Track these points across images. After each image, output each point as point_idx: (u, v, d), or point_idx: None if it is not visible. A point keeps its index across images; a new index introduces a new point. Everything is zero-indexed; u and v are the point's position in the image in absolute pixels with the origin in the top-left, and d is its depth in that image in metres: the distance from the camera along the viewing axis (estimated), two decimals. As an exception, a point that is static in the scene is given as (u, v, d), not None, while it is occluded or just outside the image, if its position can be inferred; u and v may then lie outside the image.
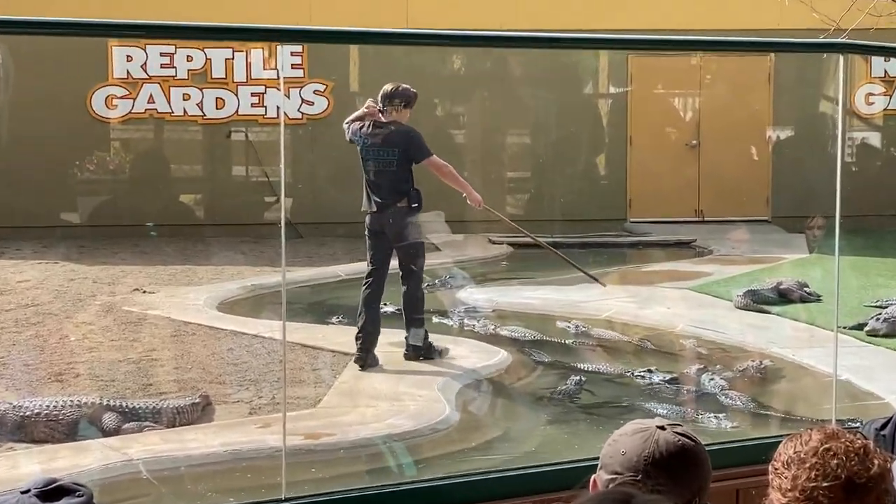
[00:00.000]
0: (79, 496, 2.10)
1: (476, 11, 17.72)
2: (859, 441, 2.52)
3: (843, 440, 2.50)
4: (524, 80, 19.52)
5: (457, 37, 10.89)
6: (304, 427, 8.18)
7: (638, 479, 2.51)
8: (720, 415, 8.87)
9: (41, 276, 14.46)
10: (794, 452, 2.52)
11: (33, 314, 12.26)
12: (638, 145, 19.22)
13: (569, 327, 11.67)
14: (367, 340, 9.93)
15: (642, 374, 9.90)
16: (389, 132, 10.10)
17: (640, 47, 19.01)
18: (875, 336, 11.06)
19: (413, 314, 10.24)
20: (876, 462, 2.47)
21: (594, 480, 2.60)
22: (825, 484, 2.43)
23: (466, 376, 9.75)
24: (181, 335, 11.22)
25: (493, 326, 11.62)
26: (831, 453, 2.46)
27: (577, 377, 9.70)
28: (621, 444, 2.58)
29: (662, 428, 2.59)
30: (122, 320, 11.89)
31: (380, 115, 10.18)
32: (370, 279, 10.15)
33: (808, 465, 2.47)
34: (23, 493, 2.07)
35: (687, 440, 2.58)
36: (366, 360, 9.83)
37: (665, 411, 8.88)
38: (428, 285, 13.19)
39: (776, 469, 2.55)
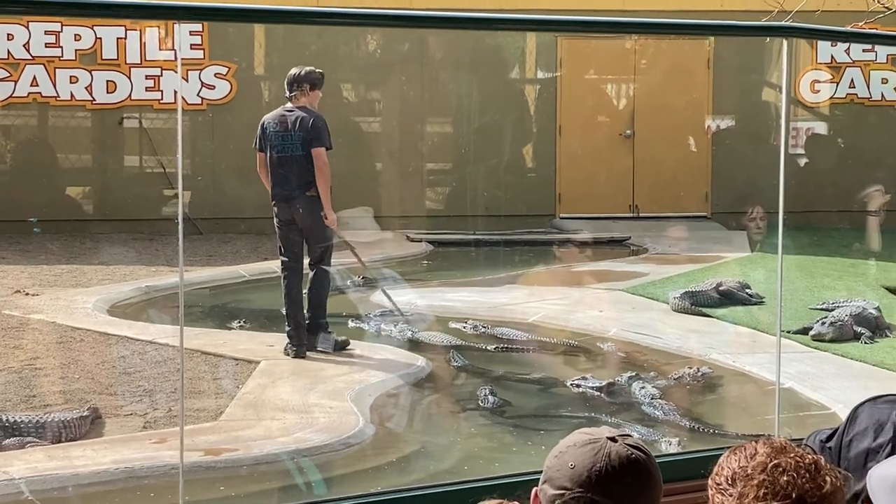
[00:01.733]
0: None
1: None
2: (809, 456, 2.53)
3: (792, 455, 2.51)
4: (445, 64, 19.55)
5: (370, 16, 10.92)
6: (203, 442, 8.14)
7: (588, 495, 2.50)
8: (650, 428, 8.92)
9: (-89, 276, 14.30)
10: (740, 467, 2.52)
11: None
12: (568, 135, 19.29)
13: (465, 327, 11.75)
14: (299, 333, 10.40)
15: (577, 382, 9.94)
16: (296, 117, 10.52)
17: (570, 28, 19.13)
18: (821, 341, 11.19)
19: (318, 316, 10.52)
20: (828, 479, 2.48)
21: (536, 493, 2.58)
22: (775, 503, 2.45)
23: (382, 385, 9.76)
24: (68, 342, 11.12)
25: (411, 331, 11.63)
26: (780, 469, 2.47)
27: (487, 388, 9.70)
28: (569, 456, 2.55)
29: (613, 440, 2.57)
30: (2, 325, 11.77)
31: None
32: (286, 272, 10.63)
33: (755, 482, 2.47)
34: None
35: (640, 453, 2.56)
36: (302, 352, 10.32)
37: (597, 422, 8.95)
38: (351, 281, 13.33)
39: (718, 485, 2.55)
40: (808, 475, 2.47)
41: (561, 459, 2.56)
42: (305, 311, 10.58)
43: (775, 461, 2.48)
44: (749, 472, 2.50)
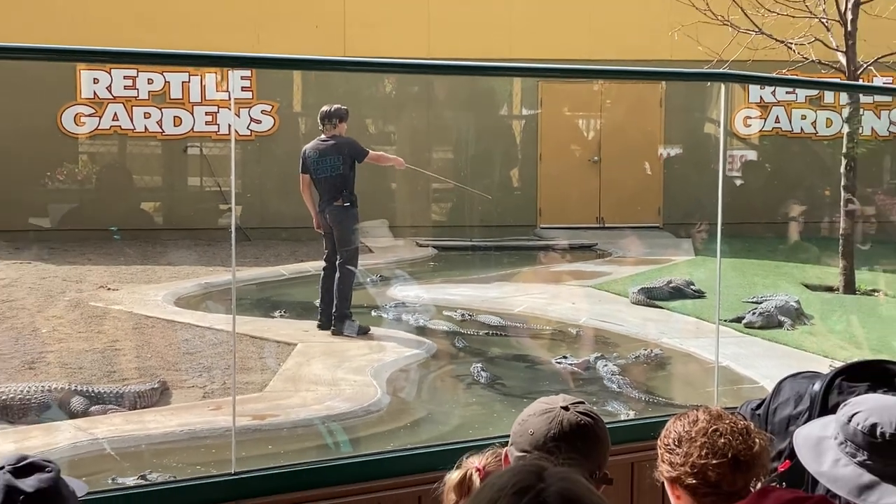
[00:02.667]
0: (48, 472, 2.08)
1: (405, 41, 17.73)
2: (741, 422, 2.55)
3: (727, 421, 2.52)
4: (447, 103, 19.55)
5: (386, 64, 10.94)
6: (251, 409, 8.14)
7: (545, 456, 2.45)
8: (612, 398, 8.96)
9: (15, 274, 14.28)
10: (685, 431, 2.53)
11: (8, 309, 12.10)
12: (547, 160, 19.32)
13: (454, 315, 11.74)
14: (328, 313, 10.60)
15: (559, 360, 9.96)
16: (329, 145, 10.66)
17: (548, 75, 19.12)
18: (752, 328, 11.22)
19: (343, 307, 10.61)
20: (757, 441, 2.50)
21: (506, 454, 2.56)
22: (714, 461, 2.45)
23: (396, 363, 9.76)
24: (141, 327, 11.14)
25: (420, 319, 11.64)
26: (718, 433, 2.48)
27: (479, 365, 9.72)
28: (529, 424, 2.52)
29: (566, 408, 2.53)
30: (88, 314, 11.77)
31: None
32: (324, 270, 10.85)
33: (697, 443, 2.48)
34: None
35: (588, 418, 2.52)
36: (335, 328, 10.53)
37: (569, 393, 8.95)
38: (370, 279, 13.35)
39: (667, 445, 2.55)
40: (741, 438, 2.48)
41: (523, 426, 2.53)
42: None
43: (714, 426, 2.50)
44: (693, 435, 2.51)
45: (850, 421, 2.49)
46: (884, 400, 2.54)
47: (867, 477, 2.41)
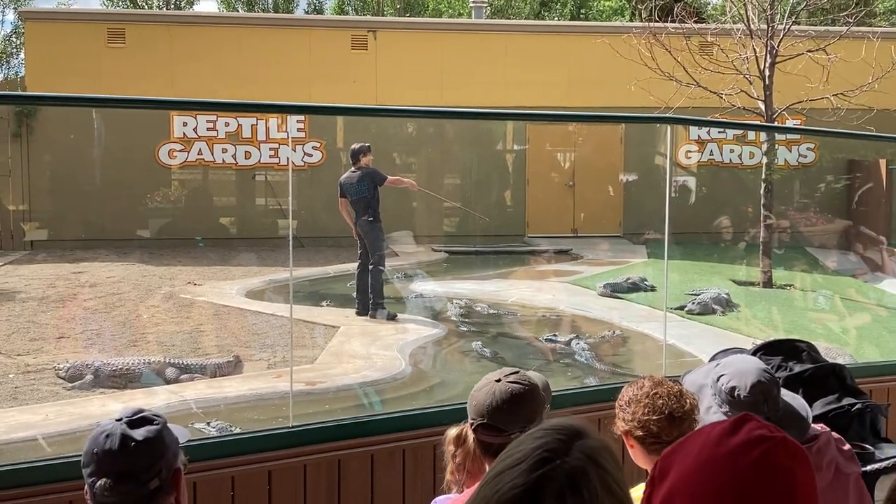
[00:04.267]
0: (155, 423, 2.10)
1: (423, 93, 17.79)
2: (677, 387, 2.56)
3: (665, 386, 2.53)
4: (456, 140, 19.58)
5: (408, 111, 10.98)
6: (304, 377, 8.17)
7: (485, 420, 2.41)
8: (585, 370, 8.97)
9: (123, 273, 14.35)
10: (633, 395, 2.54)
11: (117, 300, 12.17)
12: (533, 184, 19.31)
13: (461, 304, 11.71)
14: (363, 302, 10.64)
15: (549, 337, 9.95)
16: (359, 175, 10.65)
17: (535, 119, 19.16)
18: (692, 314, 11.22)
19: (377, 297, 10.60)
20: (688, 401, 2.50)
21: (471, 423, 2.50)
22: (654, 417, 2.46)
23: (416, 342, 9.77)
24: (220, 314, 11.18)
25: (435, 307, 11.65)
26: (657, 395, 2.49)
27: (478, 343, 9.72)
28: (475, 398, 2.46)
29: (498, 380, 2.45)
30: (179, 304, 11.83)
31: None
32: (358, 269, 10.79)
33: (642, 404, 2.49)
34: (117, 420, 2.07)
35: (517, 386, 2.43)
36: (365, 313, 10.57)
37: (549, 365, 8.97)
38: (396, 276, 13.35)
39: (620, 406, 2.56)
40: (675, 398, 2.49)
41: (472, 398, 2.47)
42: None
43: (654, 390, 2.50)
44: (638, 397, 2.52)
45: (717, 380, 2.50)
46: (746, 364, 2.52)
47: None
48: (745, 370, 2.49)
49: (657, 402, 2.47)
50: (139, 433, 2.04)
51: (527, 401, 2.45)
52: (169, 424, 2.13)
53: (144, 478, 2.02)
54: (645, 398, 2.49)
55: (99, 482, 2.01)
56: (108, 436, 2.02)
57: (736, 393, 2.44)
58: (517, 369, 2.55)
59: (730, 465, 1.32)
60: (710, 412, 2.48)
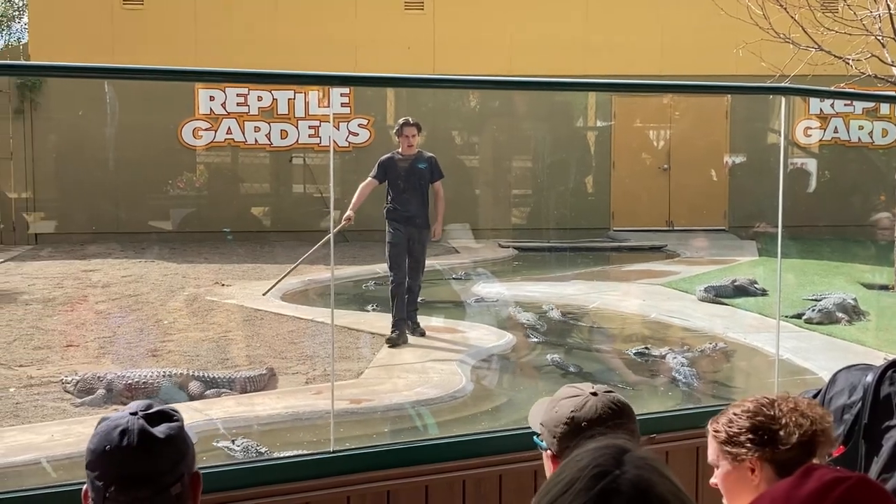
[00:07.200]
0: (175, 420, 2.11)
1: (489, 60, 17.75)
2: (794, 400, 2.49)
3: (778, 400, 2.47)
4: (527, 116, 19.55)
5: (470, 81, 10.94)
6: (348, 394, 8.21)
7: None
8: (683, 390, 8.89)
9: (140, 271, 14.58)
10: (734, 414, 2.48)
11: (134, 302, 12.37)
12: (620, 168, 19.22)
13: (533, 310, 11.61)
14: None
15: (640, 350, 9.89)
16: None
17: (622, 90, 19.01)
18: (811, 323, 11.05)
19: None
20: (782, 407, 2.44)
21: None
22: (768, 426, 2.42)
23: (479, 354, 9.76)
24: (252, 319, 11.29)
25: (503, 313, 11.63)
26: (771, 405, 2.44)
27: (554, 355, 9.66)
28: (559, 406, 2.44)
29: (595, 394, 2.43)
30: (204, 307, 11.98)
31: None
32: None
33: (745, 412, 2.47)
34: (131, 414, 2.05)
35: (615, 406, 2.41)
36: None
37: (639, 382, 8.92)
38: (455, 277, 13.37)
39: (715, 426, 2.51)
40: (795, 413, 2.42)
41: (552, 409, 2.45)
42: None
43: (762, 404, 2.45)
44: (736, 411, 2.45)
45: None
46: None
47: None
48: None
49: (770, 412, 2.41)
50: (160, 430, 2.03)
51: (631, 417, 2.42)
52: None
53: (167, 481, 2.01)
54: (751, 407, 2.43)
55: (112, 486, 1.99)
56: (123, 431, 2.00)
57: None
58: (610, 389, 2.51)
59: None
60: None
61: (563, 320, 11.42)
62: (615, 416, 2.39)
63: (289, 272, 12.74)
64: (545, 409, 2.50)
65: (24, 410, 7.99)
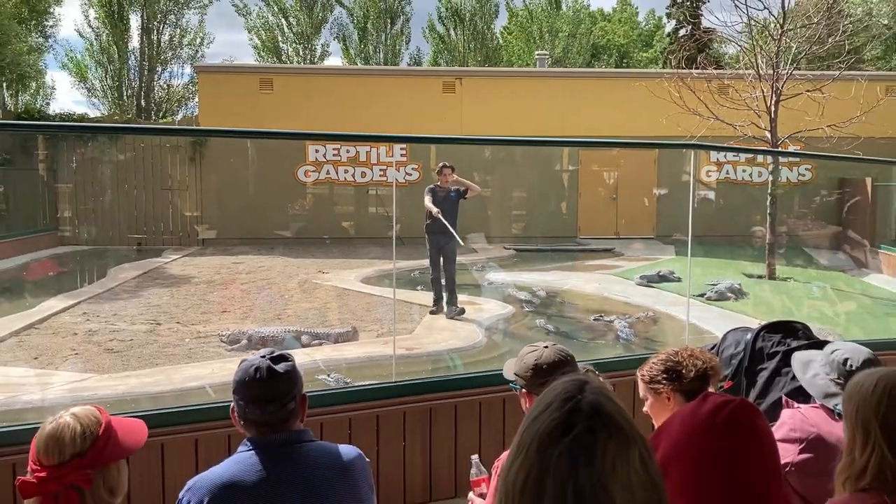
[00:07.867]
0: (290, 360, 2.08)
1: (498, 125, 17.72)
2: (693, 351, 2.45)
3: (685, 351, 2.43)
4: (523, 162, 19.48)
5: (485, 140, 10.88)
6: (404, 344, 8.20)
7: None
8: (624, 341, 8.81)
9: (270, 263, 14.66)
10: (652, 362, 2.40)
11: (265, 283, 12.43)
12: (584, 196, 19.10)
13: (527, 290, 11.50)
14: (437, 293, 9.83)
15: (597, 317, 9.81)
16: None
17: (586, 146, 18.89)
18: (710, 301, 10.93)
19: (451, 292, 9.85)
20: (701, 358, 2.40)
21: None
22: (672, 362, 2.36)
23: (490, 319, 9.72)
24: (342, 296, 11.32)
25: (506, 292, 11.59)
26: (675, 353, 2.39)
27: (542, 319, 9.58)
28: (524, 357, 2.40)
29: (546, 347, 2.39)
30: (311, 287, 12.02)
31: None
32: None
33: (659, 359, 2.39)
34: (262, 357, 2.05)
35: (560, 355, 2.35)
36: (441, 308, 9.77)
37: (594, 340, 8.84)
38: (474, 268, 13.25)
39: (640, 371, 2.43)
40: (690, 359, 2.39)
41: (519, 358, 2.39)
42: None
43: (670, 354, 2.42)
44: (654, 360, 2.42)
45: (832, 353, 2.41)
46: (856, 347, 2.44)
47: (833, 388, 2.34)
48: (859, 349, 2.41)
49: (676, 359, 2.38)
50: (280, 367, 2.03)
51: (571, 365, 2.38)
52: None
53: (285, 401, 2.00)
54: (662, 358, 2.40)
55: (249, 405, 1.98)
56: (256, 368, 2.00)
57: (849, 363, 2.36)
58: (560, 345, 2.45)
59: (708, 425, 1.35)
60: (818, 378, 2.39)
61: (546, 297, 11.38)
62: (563, 360, 2.36)
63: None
64: (515, 363, 2.45)
65: (195, 354, 8.07)
